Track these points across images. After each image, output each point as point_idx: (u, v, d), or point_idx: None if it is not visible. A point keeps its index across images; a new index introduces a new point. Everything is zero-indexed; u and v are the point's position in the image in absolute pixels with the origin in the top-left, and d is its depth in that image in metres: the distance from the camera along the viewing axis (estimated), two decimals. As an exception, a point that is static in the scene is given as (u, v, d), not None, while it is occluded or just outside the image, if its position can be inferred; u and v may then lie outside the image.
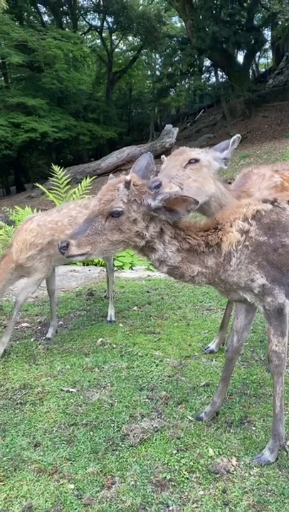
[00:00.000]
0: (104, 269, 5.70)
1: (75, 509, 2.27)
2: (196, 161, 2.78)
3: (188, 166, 2.76)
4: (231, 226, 2.34)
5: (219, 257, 2.35)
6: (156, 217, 2.27)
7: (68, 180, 8.34)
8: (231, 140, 2.93)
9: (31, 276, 3.96)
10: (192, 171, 2.76)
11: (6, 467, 2.56)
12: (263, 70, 35.91)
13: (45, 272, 3.99)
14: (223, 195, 2.94)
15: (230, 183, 3.84)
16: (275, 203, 2.36)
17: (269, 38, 29.56)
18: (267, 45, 31.69)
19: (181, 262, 2.35)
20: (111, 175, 2.57)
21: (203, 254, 2.37)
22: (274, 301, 2.32)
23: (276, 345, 2.40)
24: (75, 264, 6.74)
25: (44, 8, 30.04)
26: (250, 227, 2.31)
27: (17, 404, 3.18)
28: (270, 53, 34.75)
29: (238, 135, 2.99)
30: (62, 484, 2.43)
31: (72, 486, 2.41)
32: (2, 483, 2.45)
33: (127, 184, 2.19)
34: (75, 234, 2.23)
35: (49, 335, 4.30)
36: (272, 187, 3.15)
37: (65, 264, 6.80)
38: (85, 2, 31.53)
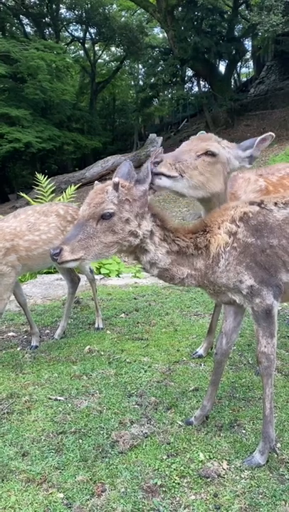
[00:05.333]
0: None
1: (65, 518, 2.23)
2: (214, 154, 2.57)
3: (202, 157, 2.55)
4: (219, 228, 2.35)
5: (208, 258, 2.36)
6: (147, 216, 2.28)
7: (53, 189, 8.32)
8: (259, 138, 2.65)
9: (1, 283, 3.93)
10: (204, 162, 2.55)
11: (-7, 478, 2.51)
12: (245, 79, 36.43)
13: (14, 275, 3.96)
14: (226, 196, 2.77)
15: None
16: (262, 205, 2.38)
17: (250, 48, 30.10)
18: (248, 55, 32.25)
19: (171, 264, 2.36)
20: (96, 181, 2.54)
21: (192, 256, 2.37)
22: (262, 302, 2.33)
23: (265, 347, 2.41)
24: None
25: (26, 20, 30.09)
26: (238, 229, 2.32)
27: (4, 413, 3.13)
28: (251, 63, 35.34)
29: (271, 133, 2.67)
30: (51, 493, 2.38)
31: (61, 495, 2.37)
32: (-11, 494, 2.40)
33: (116, 186, 2.19)
34: (67, 239, 2.22)
35: (34, 343, 4.25)
36: (258, 190, 3.17)
37: (51, 273, 6.77)
38: (67, 13, 31.65)
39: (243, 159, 2.69)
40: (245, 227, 2.32)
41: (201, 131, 3.04)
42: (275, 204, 2.38)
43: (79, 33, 33.73)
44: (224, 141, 2.70)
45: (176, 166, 2.49)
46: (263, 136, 2.66)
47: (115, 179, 2.22)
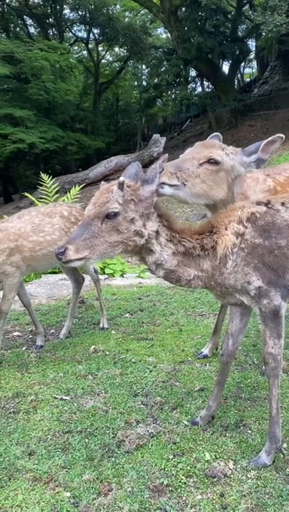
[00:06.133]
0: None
1: (72, 517, 2.24)
2: (216, 163, 2.58)
3: (205, 165, 2.57)
4: (226, 229, 2.35)
5: (215, 260, 2.36)
6: (152, 217, 2.28)
7: (57, 189, 8.33)
8: (264, 142, 2.64)
9: (6, 283, 3.94)
10: (206, 171, 2.57)
11: (0, 476, 2.52)
12: (248, 79, 36.36)
13: (18, 276, 3.97)
14: (234, 200, 2.76)
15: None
16: (269, 205, 2.37)
17: (253, 49, 30.04)
18: (251, 56, 32.16)
19: (177, 265, 2.35)
20: (102, 181, 2.55)
21: (199, 257, 2.37)
22: (270, 303, 2.33)
23: (272, 348, 2.41)
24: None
25: (30, 20, 30.15)
26: (246, 230, 2.32)
27: (10, 412, 3.14)
28: (254, 63, 35.28)
29: (280, 135, 2.61)
30: (58, 492, 2.39)
31: (68, 494, 2.38)
32: (-3, 493, 2.41)
33: (121, 185, 2.20)
34: (71, 239, 2.22)
35: (39, 342, 4.27)
36: (266, 190, 3.18)
37: (55, 273, 6.78)
38: (71, 14, 31.67)
39: (249, 164, 2.69)
40: (252, 228, 2.32)
41: (216, 133, 3.02)
42: (283, 204, 2.38)
43: (82, 34, 33.80)
44: (229, 148, 2.70)
45: (178, 175, 2.52)
46: (269, 138, 2.64)
47: (121, 179, 2.23)
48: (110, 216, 2.20)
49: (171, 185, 2.49)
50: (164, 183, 2.45)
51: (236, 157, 2.66)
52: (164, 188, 2.46)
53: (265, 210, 2.36)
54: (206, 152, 2.61)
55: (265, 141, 2.64)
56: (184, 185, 2.52)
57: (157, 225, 2.30)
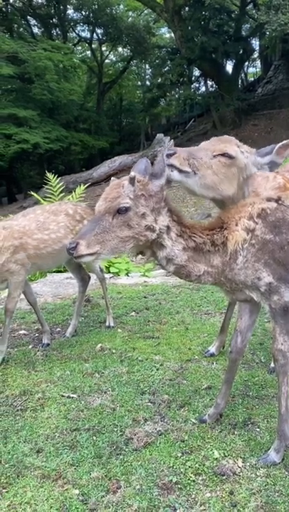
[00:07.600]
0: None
1: (81, 514, 2.24)
2: (230, 157, 2.54)
3: (218, 158, 2.52)
4: (237, 225, 2.34)
5: (225, 255, 2.35)
6: (163, 211, 2.27)
7: (62, 189, 8.34)
8: (279, 144, 2.59)
9: (11, 282, 3.93)
10: (219, 163, 2.51)
11: (8, 474, 2.52)
12: (252, 79, 36.30)
13: (23, 274, 3.96)
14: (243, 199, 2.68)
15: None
16: (280, 201, 2.36)
17: (257, 48, 29.99)
18: (255, 55, 32.12)
19: (187, 260, 2.34)
20: (112, 177, 2.53)
21: (209, 253, 2.36)
22: (280, 299, 2.32)
23: (282, 344, 2.40)
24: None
25: (34, 21, 30.21)
26: (256, 226, 2.31)
27: (18, 410, 3.14)
28: (258, 63, 35.20)
29: None
30: (66, 490, 2.39)
31: (76, 492, 2.38)
32: (5, 490, 2.41)
33: (132, 180, 2.19)
34: (83, 234, 2.22)
35: (46, 341, 4.26)
36: (277, 188, 3.16)
37: (61, 272, 6.78)
38: (74, 14, 31.69)
39: (262, 166, 2.66)
40: (263, 224, 2.31)
41: None
42: (293, 200, 2.37)
43: (86, 34, 33.75)
44: (244, 146, 2.67)
45: (190, 162, 2.47)
46: (284, 142, 2.61)
47: (132, 173, 2.22)
48: (121, 211, 2.19)
49: (181, 171, 2.43)
50: (173, 166, 2.39)
51: (250, 156, 2.63)
52: (174, 173, 2.41)
53: (275, 206, 2.35)
54: (221, 146, 2.57)
55: (280, 144, 2.61)
56: (195, 173, 2.47)
57: (168, 220, 2.29)
